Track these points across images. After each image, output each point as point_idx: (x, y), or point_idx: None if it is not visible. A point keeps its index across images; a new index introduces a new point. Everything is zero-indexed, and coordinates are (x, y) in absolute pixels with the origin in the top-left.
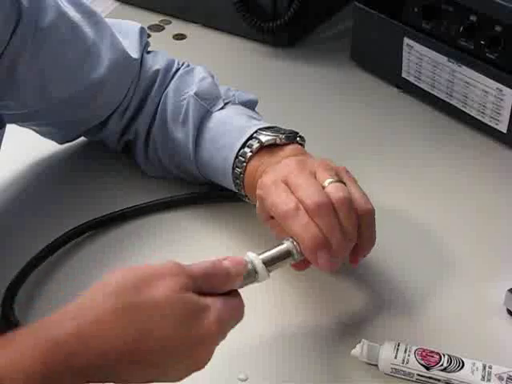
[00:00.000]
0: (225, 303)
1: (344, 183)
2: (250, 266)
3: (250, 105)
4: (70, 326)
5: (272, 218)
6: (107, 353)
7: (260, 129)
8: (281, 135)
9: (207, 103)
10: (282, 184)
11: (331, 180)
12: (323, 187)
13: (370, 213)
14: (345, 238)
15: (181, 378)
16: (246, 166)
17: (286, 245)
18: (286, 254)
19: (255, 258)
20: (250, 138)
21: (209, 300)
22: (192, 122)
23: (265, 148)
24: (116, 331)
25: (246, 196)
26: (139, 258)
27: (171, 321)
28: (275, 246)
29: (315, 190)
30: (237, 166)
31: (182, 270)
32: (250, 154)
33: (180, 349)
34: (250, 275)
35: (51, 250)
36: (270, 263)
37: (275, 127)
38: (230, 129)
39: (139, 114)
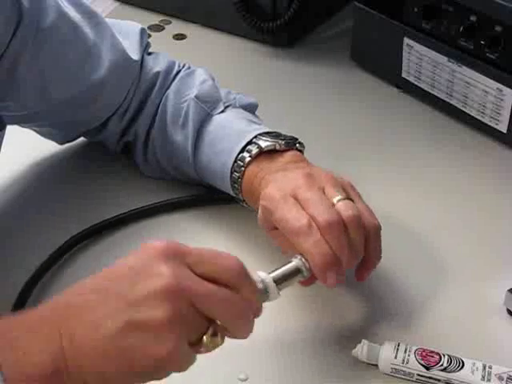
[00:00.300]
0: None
1: (352, 200)
2: (261, 285)
3: (251, 108)
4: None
5: (276, 228)
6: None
7: (260, 134)
8: (280, 141)
9: (207, 106)
10: (292, 199)
11: (340, 197)
12: (332, 204)
13: (377, 228)
14: (353, 256)
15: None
16: (244, 171)
17: (295, 262)
18: (296, 272)
19: (266, 277)
20: (250, 142)
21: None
22: (192, 124)
23: (264, 154)
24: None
25: (244, 201)
26: None
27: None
28: (284, 264)
29: (326, 207)
30: (235, 171)
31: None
32: (249, 159)
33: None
34: (261, 294)
35: (60, 254)
36: (280, 281)
37: (275, 132)
38: (230, 133)
39: (139, 115)
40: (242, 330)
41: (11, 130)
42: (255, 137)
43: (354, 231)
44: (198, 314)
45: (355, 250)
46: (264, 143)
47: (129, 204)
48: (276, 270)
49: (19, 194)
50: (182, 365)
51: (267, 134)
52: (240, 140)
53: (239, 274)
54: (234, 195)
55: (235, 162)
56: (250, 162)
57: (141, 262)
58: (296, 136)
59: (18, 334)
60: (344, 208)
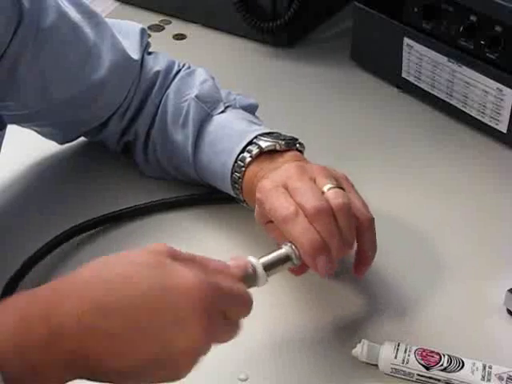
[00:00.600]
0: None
1: (343, 189)
2: (250, 269)
3: (251, 109)
4: (49, 283)
5: (271, 222)
6: (82, 304)
7: (260, 134)
8: (280, 141)
9: (208, 106)
10: (282, 188)
11: (330, 186)
12: (322, 192)
13: (370, 220)
14: (343, 243)
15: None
16: (244, 171)
17: (285, 249)
18: (285, 259)
19: (256, 262)
20: (250, 143)
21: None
22: (192, 124)
23: (264, 154)
24: (90, 285)
25: (244, 201)
26: None
27: (143, 271)
28: (274, 251)
29: (315, 194)
30: (235, 171)
31: (168, 247)
32: (250, 159)
33: (151, 296)
34: (250, 279)
35: (49, 249)
36: (269, 267)
37: (275, 133)
38: (230, 133)
39: (139, 115)
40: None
41: (11, 129)
42: (255, 137)
43: (343, 219)
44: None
45: (345, 237)
46: (264, 143)
47: (129, 203)
48: (265, 255)
49: (19, 193)
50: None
51: (267, 134)
52: (240, 140)
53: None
54: (235, 195)
55: (236, 162)
56: (250, 163)
57: (178, 308)
58: (296, 136)
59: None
60: (333, 196)
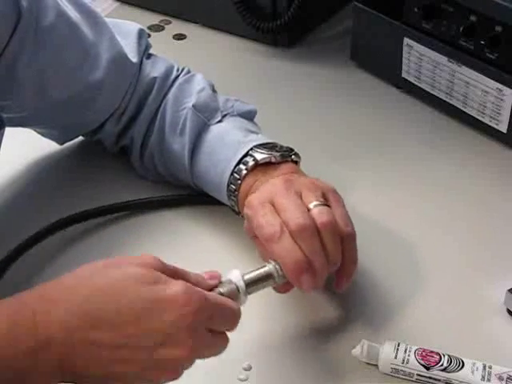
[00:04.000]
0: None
1: (329, 206)
2: (233, 286)
3: (249, 115)
4: (36, 288)
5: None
6: (69, 314)
7: (256, 146)
8: (275, 153)
9: (205, 116)
10: (268, 205)
11: (316, 203)
12: (308, 209)
13: (351, 235)
14: (328, 261)
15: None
16: (240, 184)
17: (268, 268)
18: (267, 277)
19: (238, 280)
20: (246, 154)
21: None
22: (189, 134)
23: (259, 166)
24: (77, 294)
25: (240, 213)
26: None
27: (132, 285)
28: (258, 268)
29: (300, 212)
30: (231, 183)
31: (157, 259)
32: (245, 171)
33: (140, 309)
34: (232, 294)
35: (36, 239)
36: (250, 285)
37: (271, 143)
38: (227, 144)
39: (135, 120)
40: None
41: (11, 129)
42: (251, 148)
43: (328, 237)
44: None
45: (329, 255)
46: (260, 156)
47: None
48: (250, 272)
49: (18, 193)
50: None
51: (263, 145)
52: (236, 152)
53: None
54: (231, 206)
55: (232, 174)
56: (246, 175)
57: (165, 321)
58: (296, 135)
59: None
60: (318, 213)
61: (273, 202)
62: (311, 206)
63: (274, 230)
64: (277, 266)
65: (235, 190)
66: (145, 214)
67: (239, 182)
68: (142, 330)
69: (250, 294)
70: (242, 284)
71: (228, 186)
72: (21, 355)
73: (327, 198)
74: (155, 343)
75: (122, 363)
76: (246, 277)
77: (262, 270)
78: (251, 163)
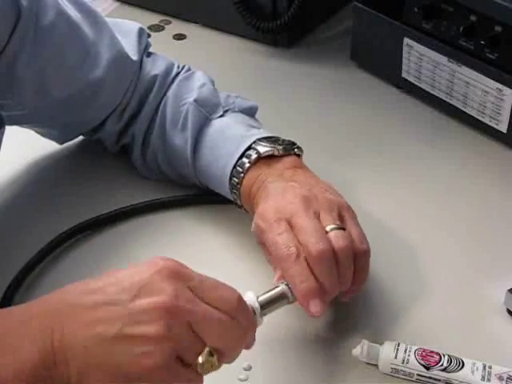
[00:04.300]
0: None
1: (345, 228)
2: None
3: (250, 112)
4: (40, 299)
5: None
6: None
7: (258, 139)
8: (278, 146)
9: (207, 110)
10: (285, 223)
11: (333, 226)
12: (326, 231)
13: (366, 253)
14: (340, 284)
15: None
16: (243, 177)
17: (281, 288)
18: (281, 297)
19: (254, 303)
20: (249, 148)
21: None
22: (191, 128)
23: (262, 159)
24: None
25: (242, 206)
26: (135, 259)
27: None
28: (271, 289)
29: (319, 237)
30: (234, 176)
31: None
32: (248, 165)
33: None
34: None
35: (46, 253)
36: (265, 306)
37: (273, 137)
38: (229, 137)
39: (136, 117)
40: (232, 355)
41: (11, 129)
42: (254, 142)
43: (344, 262)
44: (194, 334)
45: (342, 276)
46: (263, 148)
47: (127, 203)
48: (263, 294)
49: (19, 193)
50: (172, 381)
51: (266, 138)
52: (239, 145)
53: (238, 305)
54: (233, 200)
55: (234, 167)
56: (249, 168)
57: (146, 276)
58: (296, 135)
59: (7, 331)
60: (335, 237)
61: (290, 221)
62: (328, 228)
63: (290, 251)
64: (289, 286)
65: (238, 184)
66: (149, 214)
67: (242, 175)
68: (118, 285)
69: (264, 315)
70: (257, 306)
71: (230, 179)
72: (27, 372)
73: (342, 216)
74: (130, 295)
75: (102, 323)
76: (261, 298)
77: (275, 291)
78: (254, 156)
